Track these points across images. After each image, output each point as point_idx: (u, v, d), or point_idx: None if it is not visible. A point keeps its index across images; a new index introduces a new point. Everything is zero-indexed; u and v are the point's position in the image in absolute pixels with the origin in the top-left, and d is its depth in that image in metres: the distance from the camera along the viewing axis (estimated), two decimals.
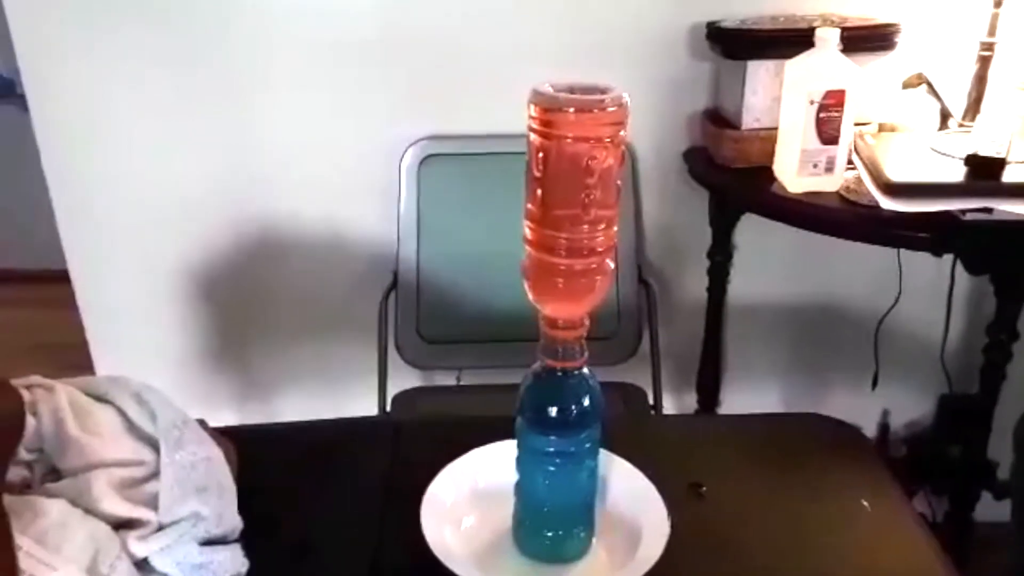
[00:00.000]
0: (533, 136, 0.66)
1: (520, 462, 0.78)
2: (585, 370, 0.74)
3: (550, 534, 0.78)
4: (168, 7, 1.47)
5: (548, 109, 0.64)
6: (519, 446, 0.78)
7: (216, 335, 1.73)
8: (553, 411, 0.73)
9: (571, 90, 0.64)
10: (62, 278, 1.66)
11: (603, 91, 0.64)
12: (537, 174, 0.66)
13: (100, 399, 0.78)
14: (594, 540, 0.81)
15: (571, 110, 0.63)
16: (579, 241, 0.67)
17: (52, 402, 0.74)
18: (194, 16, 1.47)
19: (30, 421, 0.72)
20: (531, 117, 0.65)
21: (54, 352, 1.58)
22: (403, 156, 1.55)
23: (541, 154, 0.65)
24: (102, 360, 1.72)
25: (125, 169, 1.58)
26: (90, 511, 0.68)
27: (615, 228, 0.69)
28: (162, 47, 1.49)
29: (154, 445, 0.75)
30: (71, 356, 1.70)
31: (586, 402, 0.74)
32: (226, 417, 1.72)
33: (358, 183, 1.60)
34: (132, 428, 0.76)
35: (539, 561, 0.79)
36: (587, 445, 0.76)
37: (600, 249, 0.68)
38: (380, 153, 1.56)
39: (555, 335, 0.72)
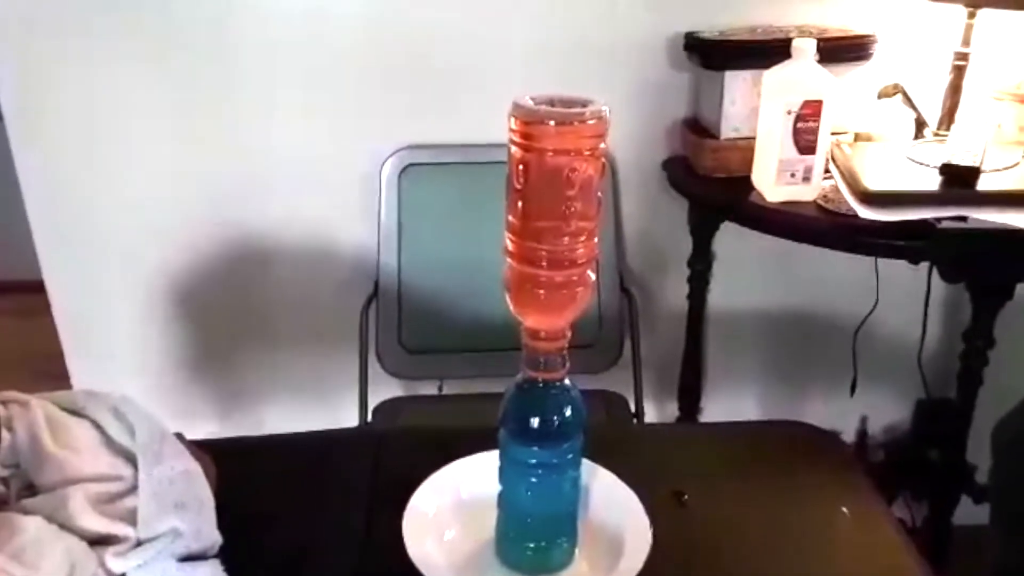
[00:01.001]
0: (514, 149, 0.66)
1: (503, 473, 0.78)
2: (567, 381, 0.74)
3: (533, 545, 0.78)
4: (145, 18, 1.46)
5: (529, 122, 0.64)
6: (502, 457, 0.77)
7: (195, 345, 1.72)
8: (535, 422, 0.73)
9: (551, 103, 0.65)
10: (40, 288, 1.64)
11: (583, 104, 0.65)
12: (518, 186, 0.66)
13: (77, 413, 0.77)
14: (577, 550, 0.81)
15: (552, 123, 0.64)
16: (560, 253, 0.67)
17: (28, 417, 0.73)
18: (175, 27, 1.46)
19: (5, 436, 0.72)
20: (512, 130, 0.65)
21: (33, 363, 1.56)
22: (383, 165, 1.55)
23: (522, 166, 0.65)
24: (78, 371, 1.70)
25: (101, 178, 1.56)
26: (67, 527, 0.67)
27: (596, 239, 0.69)
28: (141, 57, 1.48)
29: (132, 460, 0.74)
30: (50, 366, 1.68)
31: (568, 413, 0.74)
32: (206, 427, 1.71)
33: (339, 192, 1.59)
34: (109, 443, 0.75)
35: (522, 572, 0.79)
36: (570, 456, 0.76)
37: (581, 261, 0.68)
38: (361, 162, 1.56)
39: (537, 346, 0.72)
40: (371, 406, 1.57)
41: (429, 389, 1.72)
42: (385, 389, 1.63)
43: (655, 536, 0.78)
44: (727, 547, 0.83)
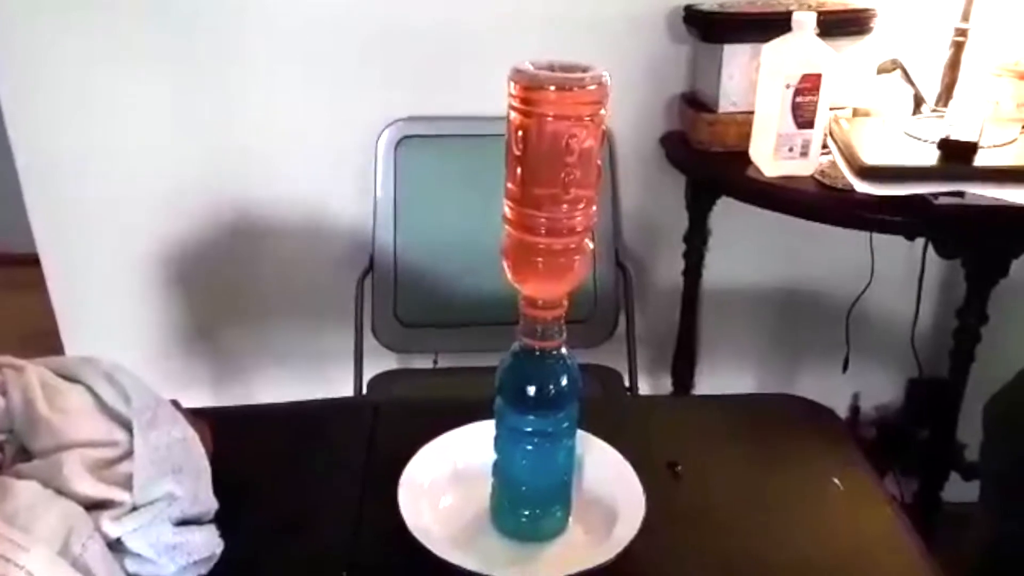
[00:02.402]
0: (513, 114, 0.65)
1: (498, 441, 0.78)
2: (563, 350, 0.74)
3: (527, 513, 0.79)
4: None
5: (529, 87, 0.63)
6: (497, 425, 0.78)
7: (191, 318, 1.71)
8: (531, 390, 0.73)
9: (551, 68, 0.64)
10: (34, 261, 1.63)
11: (584, 70, 0.64)
12: (517, 153, 0.66)
13: (71, 379, 0.77)
14: (571, 519, 0.81)
15: (552, 88, 0.63)
16: (559, 220, 0.67)
17: (22, 382, 0.73)
18: (168, 2, 1.44)
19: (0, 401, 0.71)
20: (511, 95, 0.65)
21: (27, 335, 1.55)
22: (379, 137, 1.54)
23: (521, 132, 0.65)
24: (72, 344, 1.69)
25: (96, 151, 1.55)
26: (62, 491, 0.67)
27: (594, 208, 0.69)
28: (134, 31, 1.47)
29: (127, 426, 0.74)
30: (45, 339, 1.67)
31: (564, 382, 0.74)
32: (202, 401, 1.70)
33: (334, 165, 1.59)
34: (104, 408, 0.75)
35: (516, 540, 0.79)
36: (565, 424, 0.76)
37: (579, 229, 0.68)
38: (356, 134, 1.55)
39: (534, 315, 0.72)
40: (366, 379, 1.57)
41: (424, 363, 1.72)
42: (380, 362, 1.63)
43: (648, 506, 0.79)
44: (720, 517, 0.83)
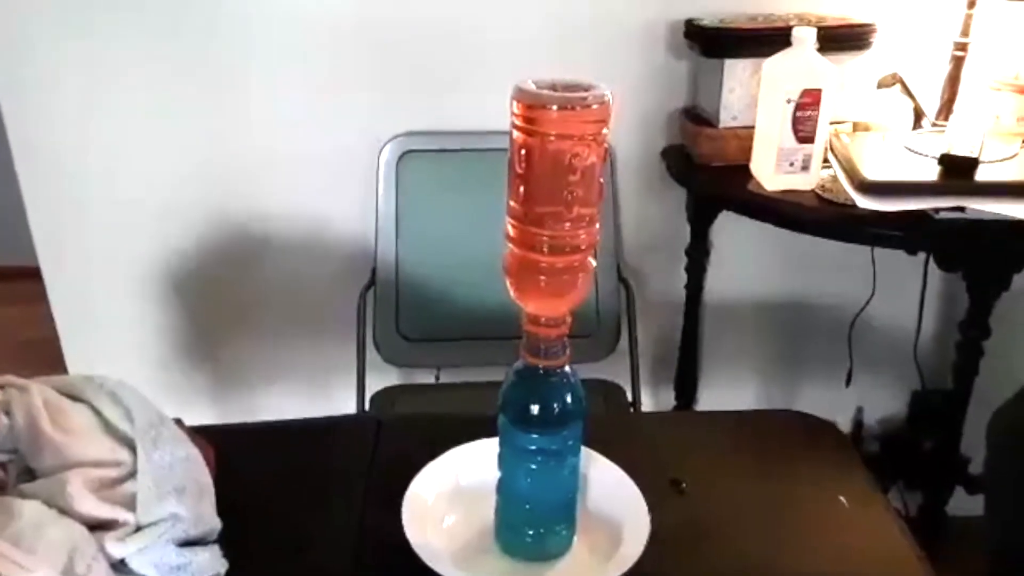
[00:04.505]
0: (516, 133, 0.65)
1: (502, 460, 0.78)
2: (567, 368, 0.74)
3: (532, 532, 0.78)
4: (144, 4, 1.45)
5: (531, 106, 0.64)
6: (501, 444, 0.77)
7: (193, 333, 1.71)
8: (535, 409, 0.73)
9: (554, 87, 0.64)
10: (36, 275, 1.64)
11: (586, 89, 0.64)
12: (520, 171, 0.66)
13: (75, 398, 0.77)
14: (576, 537, 0.81)
15: (554, 107, 0.63)
16: (561, 239, 0.67)
17: (26, 401, 0.73)
18: (171, 14, 1.45)
19: (3, 421, 0.72)
20: (514, 114, 0.65)
21: (29, 349, 1.55)
22: (381, 152, 1.54)
23: (524, 151, 0.65)
24: (75, 358, 1.69)
25: (99, 164, 1.56)
26: (66, 511, 0.67)
27: (597, 225, 0.69)
28: (138, 44, 1.47)
29: (131, 445, 0.74)
30: (46, 353, 1.67)
31: (568, 400, 0.74)
32: (203, 415, 1.70)
33: (336, 179, 1.59)
34: (108, 428, 0.75)
35: (521, 559, 0.79)
36: (569, 443, 0.76)
37: (582, 247, 0.68)
38: (359, 149, 1.56)
39: (538, 333, 0.72)
40: (369, 394, 1.57)
41: (426, 378, 1.72)
42: (382, 377, 1.63)
43: (653, 524, 0.78)
44: (725, 534, 0.83)
